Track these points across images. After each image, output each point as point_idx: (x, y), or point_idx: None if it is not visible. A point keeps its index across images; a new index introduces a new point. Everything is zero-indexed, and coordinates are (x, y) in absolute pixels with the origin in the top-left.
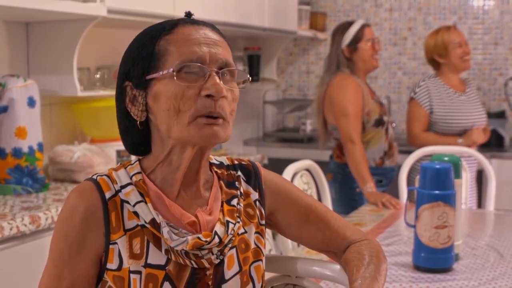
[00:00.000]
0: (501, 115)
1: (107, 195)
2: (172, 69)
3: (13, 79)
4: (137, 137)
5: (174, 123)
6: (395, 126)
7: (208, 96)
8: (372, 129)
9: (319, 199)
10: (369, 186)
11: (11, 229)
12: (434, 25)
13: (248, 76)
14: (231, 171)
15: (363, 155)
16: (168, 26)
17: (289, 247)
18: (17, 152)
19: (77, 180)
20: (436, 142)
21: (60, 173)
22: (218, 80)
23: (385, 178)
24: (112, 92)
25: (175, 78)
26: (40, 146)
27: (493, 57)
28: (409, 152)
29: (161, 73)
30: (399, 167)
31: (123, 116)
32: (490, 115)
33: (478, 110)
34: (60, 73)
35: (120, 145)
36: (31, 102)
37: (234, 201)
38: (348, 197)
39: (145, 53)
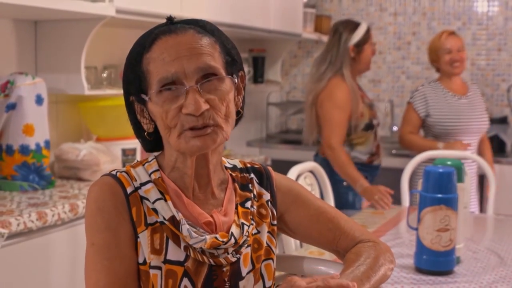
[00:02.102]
0: (503, 120)
1: (128, 190)
2: (149, 95)
3: (21, 77)
4: (150, 144)
5: (169, 137)
6: (396, 129)
7: (188, 114)
8: (362, 133)
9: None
10: (359, 185)
11: (18, 225)
12: (438, 30)
13: (227, 75)
14: (244, 174)
15: (346, 157)
16: (148, 42)
17: (292, 247)
18: (24, 149)
19: (82, 177)
20: (417, 144)
21: (66, 171)
22: (197, 97)
23: (370, 175)
24: (119, 91)
25: (155, 101)
26: (47, 143)
27: (496, 63)
28: (410, 156)
29: (147, 96)
30: (401, 170)
31: (136, 128)
32: (493, 121)
33: (479, 113)
34: (67, 71)
35: (125, 144)
36: (39, 100)
37: (248, 204)
38: (337, 191)
39: (134, 73)
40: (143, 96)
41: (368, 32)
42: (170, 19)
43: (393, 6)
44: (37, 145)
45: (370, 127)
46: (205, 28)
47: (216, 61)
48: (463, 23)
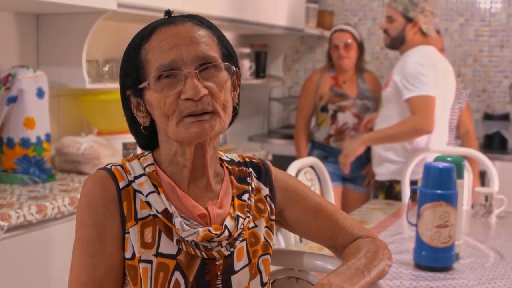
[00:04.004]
0: (505, 117)
1: (121, 184)
2: (148, 81)
3: (23, 70)
4: (145, 140)
5: (167, 127)
6: None
7: (187, 99)
8: (320, 114)
9: (322, 196)
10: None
11: (18, 217)
12: (441, 27)
13: (228, 64)
14: (242, 167)
15: (304, 138)
16: (146, 33)
17: (292, 242)
18: (25, 142)
19: (83, 171)
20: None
21: (66, 164)
22: (195, 81)
23: (331, 156)
24: None
25: (153, 88)
26: (48, 136)
27: (499, 59)
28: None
29: (144, 84)
30: None
31: (132, 122)
32: (495, 118)
33: None
34: (69, 65)
35: (126, 138)
36: (40, 93)
37: (245, 196)
38: None
39: (132, 64)
40: (142, 84)
41: (331, 36)
42: (168, 13)
43: None
44: (38, 138)
45: (324, 109)
46: (203, 22)
47: (214, 51)
48: (466, 19)
